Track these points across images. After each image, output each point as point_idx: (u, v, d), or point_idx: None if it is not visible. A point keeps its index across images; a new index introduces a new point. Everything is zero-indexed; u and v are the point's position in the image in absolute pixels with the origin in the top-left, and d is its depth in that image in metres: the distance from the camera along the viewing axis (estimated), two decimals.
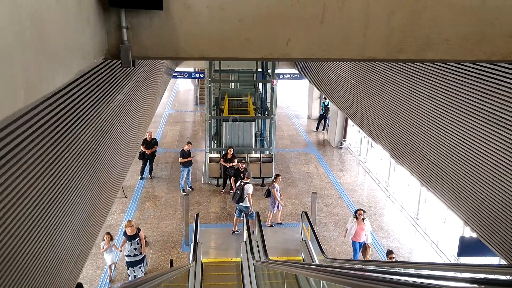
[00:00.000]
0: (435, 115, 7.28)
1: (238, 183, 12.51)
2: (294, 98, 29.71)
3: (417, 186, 14.10)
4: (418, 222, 13.24)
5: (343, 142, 19.71)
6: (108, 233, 10.19)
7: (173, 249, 11.57)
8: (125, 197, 14.19)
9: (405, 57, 2.82)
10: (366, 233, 10.99)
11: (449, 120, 6.82)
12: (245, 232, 11.60)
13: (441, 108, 7.06)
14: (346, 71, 11.55)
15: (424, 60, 2.87)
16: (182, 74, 21.24)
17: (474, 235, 9.53)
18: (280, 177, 13.07)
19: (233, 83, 19.15)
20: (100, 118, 4.86)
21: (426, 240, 12.44)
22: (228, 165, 14.46)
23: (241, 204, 12.19)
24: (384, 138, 9.90)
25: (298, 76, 22.05)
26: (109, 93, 5.08)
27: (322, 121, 22.20)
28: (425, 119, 7.66)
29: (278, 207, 12.73)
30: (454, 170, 6.94)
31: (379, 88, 9.59)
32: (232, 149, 14.55)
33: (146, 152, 15.38)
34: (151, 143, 15.53)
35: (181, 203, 13.64)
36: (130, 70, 6.61)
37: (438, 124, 7.23)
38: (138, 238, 9.93)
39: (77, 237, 4.00)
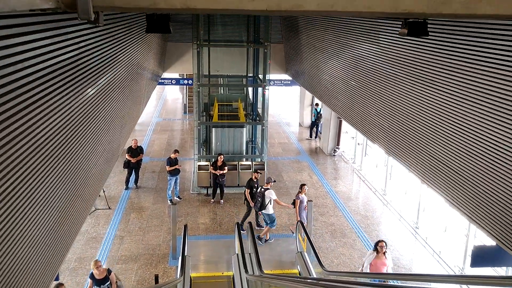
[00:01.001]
0: (435, 110, 6.71)
1: (258, 190, 11.84)
2: (285, 105, 29.19)
3: (415, 194, 13.50)
4: (418, 231, 12.60)
5: (337, 150, 19.10)
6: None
7: (160, 263, 10.76)
8: (109, 208, 13.36)
9: (451, 11, 2.16)
10: (388, 269, 9.19)
11: (453, 114, 6.26)
12: (237, 243, 10.85)
13: (442, 103, 6.49)
14: (343, 70, 10.98)
15: (475, 16, 2.21)
16: (170, 80, 20.56)
17: (487, 243, 8.95)
18: (305, 187, 12.04)
19: (222, 88, 18.48)
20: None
21: (428, 250, 11.79)
22: (218, 172, 13.72)
23: (264, 212, 11.57)
24: (383, 137, 9.32)
25: (289, 82, 21.55)
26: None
27: (314, 128, 21.60)
28: (426, 115, 7.10)
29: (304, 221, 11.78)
30: (459, 165, 6.36)
31: (378, 87, 9.03)
32: (222, 156, 13.81)
33: (131, 161, 14.59)
34: (136, 151, 14.76)
35: (169, 214, 12.85)
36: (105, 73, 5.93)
37: (440, 119, 6.67)
38: (109, 282, 8.31)
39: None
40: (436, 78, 6.68)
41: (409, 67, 7.49)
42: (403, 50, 7.57)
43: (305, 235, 10.72)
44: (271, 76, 17.23)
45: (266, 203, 11.41)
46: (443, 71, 6.43)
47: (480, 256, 7.08)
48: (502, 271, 9.53)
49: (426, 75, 6.95)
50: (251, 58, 16.23)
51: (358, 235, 12.45)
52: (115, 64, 6.72)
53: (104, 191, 13.56)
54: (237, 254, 10.35)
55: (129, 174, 14.84)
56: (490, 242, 8.71)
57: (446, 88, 6.45)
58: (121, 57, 7.32)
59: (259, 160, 15.46)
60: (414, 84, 7.39)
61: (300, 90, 23.93)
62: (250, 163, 15.00)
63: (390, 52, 8.12)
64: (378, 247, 9.12)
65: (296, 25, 14.43)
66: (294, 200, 11.83)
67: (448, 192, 6.86)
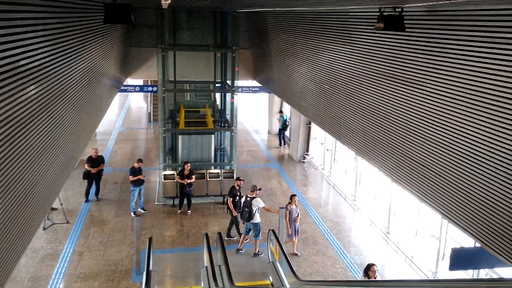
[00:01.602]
0: (407, 108, 6.46)
1: (243, 199, 11.25)
2: (253, 113, 28.86)
3: (385, 199, 13.31)
4: (389, 236, 12.37)
5: (306, 156, 18.79)
6: None
7: (123, 279, 10.04)
8: (67, 222, 12.51)
9: None
10: None
11: (426, 111, 6.02)
12: (206, 256, 10.29)
13: (414, 101, 6.23)
14: (314, 74, 10.66)
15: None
16: (133, 88, 19.80)
17: (464, 245, 8.74)
18: (296, 198, 11.58)
19: (189, 94, 17.88)
20: None
21: (400, 255, 11.55)
22: (185, 181, 13.11)
23: (251, 221, 11.01)
24: (355, 138, 9.04)
25: (257, 89, 21.20)
26: None
27: (282, 136, 21.28)
28: (398, 113, 6.85)
29: (294, 234, 11.36)
30: (434, 163, 6.12)
31: (349, 88, 8.74)
32: (189, 164, 13.22)
33: (91, 171, 13.79)
34: (97, 161, 13.97)
35: (132, 227, 12.12)
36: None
37: (413, 116, 6.43)
38: None
39: None
40: (408, 76, 6.43)
41: (381, 66, 7.22)
42: (375, 49, 7.29)
43: (276, 244, 10.27)
44: (239, 82, 16.83)
45: (254, 212, 10.90)
46: (415, 68, 6.17)
47: (459, 259, 6.80)
48: (477, 274, 9.34)
49: (398, 73, 6.70)
50: (219, 63, 15.74)
51: (330, 242, 12.09)
52: (66, 65, 6.11)
53: (61, 204, 12.72)
54: (206, 267, 9.77)
55: (89, 186, 14.02)
56: (467, 244, 8.53)
57: (417, 86, 6.23)
58: (75, 58, 6.72)
59: (228, 168, 14.93)
60: (386, 83, 7.12)
61: (268, 97, 23.64)
62: (218, 171, 14.45)
63: (362, 52, 7.84)
64: (370, 272, 8.36)
65: (265, 30, 14.08)
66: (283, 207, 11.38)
67: (423, 191, 6.67)
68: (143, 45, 15.88)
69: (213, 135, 14.70)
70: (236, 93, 14.44)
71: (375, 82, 7.55)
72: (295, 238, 11.41)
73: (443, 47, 5.47)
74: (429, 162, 6.27)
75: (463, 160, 5.52)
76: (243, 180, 12.39)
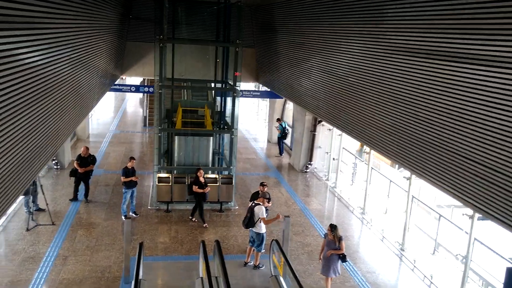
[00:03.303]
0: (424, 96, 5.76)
1: (250, 205, 10.16)
2: (251, 121, 28.04)
3: (399, 212, 12.41)
4: (404, 253, 11.41)
5: (309, 166, 17.87)
6: None
7: None
8: (53, 224, 11.47)
9: None
10: None
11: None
12: (201, 265, 9.29)
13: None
14: (328, 70, 9.84)
15: None
16: (129, 88, 18.89)
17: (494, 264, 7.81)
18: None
19: (187, 94, 16.94)
20: None
21: (417, 274, 10.55)
22: (207, 189, 12.12)
23: (252, 229, 9.94)
24: (373, 134, 8.21)
25: (258, 93, 20.43)
26: None
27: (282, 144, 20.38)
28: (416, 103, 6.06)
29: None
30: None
31: (366, 84, 7.94)
32: (202, 171, 12.19)
33: (79, 170, 12.80)
34: (86, 160, 12.98)
35: (123, 231, 11.10)
36: None
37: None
38: None
39: None
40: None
41: (399, 60, 6.48)
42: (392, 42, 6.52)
43: (281, 256, 9.30)
44: (241, 85, 16.01)
45: (256, 220, 9.90)
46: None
47: None
48: None
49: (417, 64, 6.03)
50: (220, 62, 14.85)
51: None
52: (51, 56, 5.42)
53: (47, 205, 11.70)
54: (201, 278, 8.79)
55: (77, 185, 13.03)
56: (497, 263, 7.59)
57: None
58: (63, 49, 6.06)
59: (226, 173, 13.97)
60: (404, 71, 6.40)
61: (268, 103, 22.80)
62: (216, 176, 13.49)
63: (378, 46, 7.08)
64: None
65: (271, 24, 13.28)
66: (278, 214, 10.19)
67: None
68: (140, 40, 15.03)
69: (211, 138, 13.75)
70: (238, 88, 13.43)
71: (394, 72, 6.79)
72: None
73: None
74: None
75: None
76: (266, 186, 11.34)
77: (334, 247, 8.93)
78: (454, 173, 5.93)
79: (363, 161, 15.70)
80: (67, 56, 6.87)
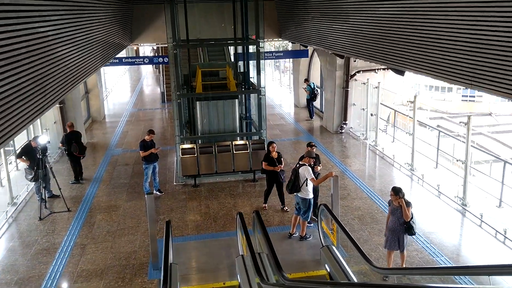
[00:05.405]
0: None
1: (294, 167, 8.73)
2: (275, 88, 26.51)
3: (452, 166, 10.83)
4: (468, 208, 9.84)
5: (344, 126, 16.25)
6: None
7: (136, 277, 7.73)
8: (68, 210, 10.29)
9: None
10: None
11: None
12: (240, 240, 7.96)
13: None
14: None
15: None
16: (142, 59, 17.48)
17: None
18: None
19: (204, 55, 15.40)
20: None
21: (486, 230, 8.98)
22: (279, 168, 10.00)
23: (298, 194, 8.57)
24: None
25: (281, 54, 18.81)
26: None
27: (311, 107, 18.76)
28: None
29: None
30: None
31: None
32: (274, 145, 10.17)
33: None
34: (69, 138, 11.76)
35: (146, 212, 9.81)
36: None
37: None
38: None
39: None
40: None
41: None
42: None
43: (334, 223, 7.86)
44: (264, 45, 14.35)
45: (301, 184, 8.46)
46: None
47: None
48: None
49: None
50: (239, 17, 13.19)
51: None
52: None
53: (60, 189, 10.50)
54: (242, 255, 7.40)
55: (71, 164, 12.03)
56: None
57: None
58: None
59: (257, 137, 12.50)
60: None
61: (292, 65, 21.11)
62: (246, 142, 12.04)
63: None
64: None
65: None
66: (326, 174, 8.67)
67: None
68: (149, 2, 13.50)
69: (236, 100, 12.24)
70: (262, 46, 11.88)
71: None
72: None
73: None
74: None
75: None
76: (315, 146, 9.54)
77: (401, 215, 7.36)
78: None
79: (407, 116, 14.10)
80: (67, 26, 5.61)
